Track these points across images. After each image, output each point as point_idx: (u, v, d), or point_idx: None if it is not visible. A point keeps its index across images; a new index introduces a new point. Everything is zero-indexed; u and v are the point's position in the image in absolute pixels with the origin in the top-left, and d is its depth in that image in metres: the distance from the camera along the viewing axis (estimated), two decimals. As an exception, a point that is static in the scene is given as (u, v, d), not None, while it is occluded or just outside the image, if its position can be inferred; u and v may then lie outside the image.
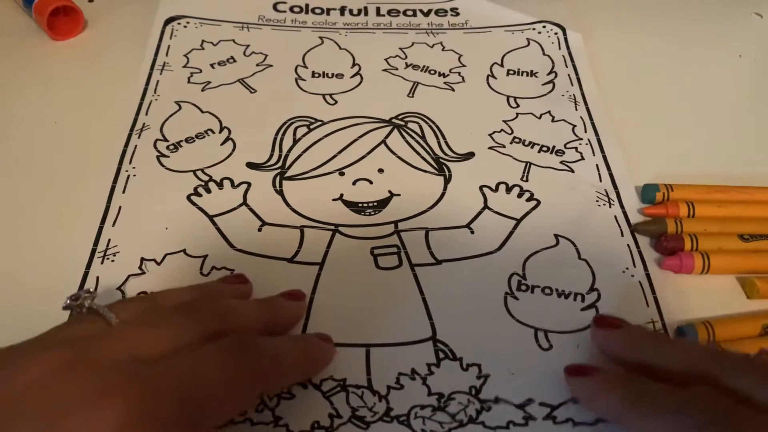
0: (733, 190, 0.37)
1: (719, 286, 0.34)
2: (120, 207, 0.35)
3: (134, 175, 0.36)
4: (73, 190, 0.36)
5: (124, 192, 0.35)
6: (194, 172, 0.37)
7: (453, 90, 0.43)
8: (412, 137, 0.39)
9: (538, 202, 0.36)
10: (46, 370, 0.21)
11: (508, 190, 0.37)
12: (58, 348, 0.22)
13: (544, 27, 0.47)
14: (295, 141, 0.39)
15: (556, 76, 0.44)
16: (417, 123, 0.40)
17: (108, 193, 0.35)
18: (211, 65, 0.43)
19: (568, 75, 0.44)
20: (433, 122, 0.40)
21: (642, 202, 0.37)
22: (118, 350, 0.22)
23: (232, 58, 0.44)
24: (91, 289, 0.31)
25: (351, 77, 0.43)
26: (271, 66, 0.44)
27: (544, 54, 0.46)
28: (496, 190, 0.37)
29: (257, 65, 0.43)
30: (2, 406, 0.20)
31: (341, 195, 0.36)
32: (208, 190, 0.36)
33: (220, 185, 0.36)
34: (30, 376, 0.21)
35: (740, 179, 0.37)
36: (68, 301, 0.26)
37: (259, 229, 0.34)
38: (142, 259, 0.33)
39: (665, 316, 0.32)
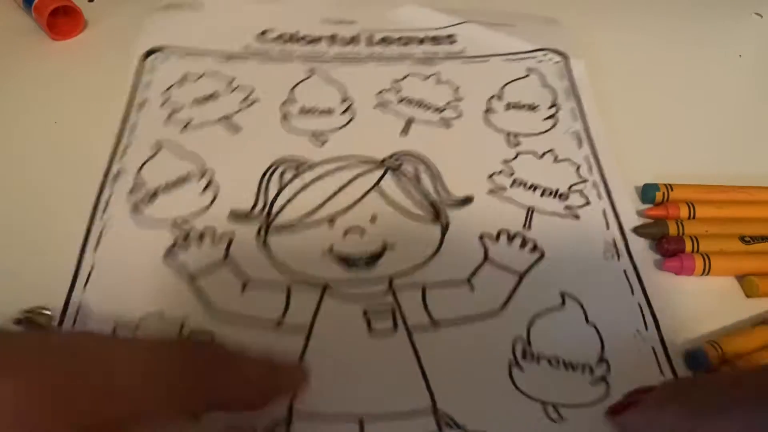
0: (733, 190, 0.37)
1: (719, 285, 0.34)
2: (92, 266, 0.32)
3: (108, 228, 0.34)
4: (70, 192, 0.36)
5: (96, 250, 0.33)
6: (172, 224, 0.34)
7: (449, 126, 0.40)
8: (407, 180, 0.37)
9: (542, 254, 0.34)
10: None
11: (510, 239, 0.34)
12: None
13: (545, 55, 0.45)
14: (282, 186, 0.36)
15: (558, 110, 0.42)
16: (412, 164, 0.38)
17: (79, 251, 0.33)
18: (194, 101, 0.41)
19: (571, 109, 0.42)
20: (429, 163, 0.38)
21: (642, 201, 0.37)
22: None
23: (215, 93, 0.41)
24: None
25: (341, 113, 0.41)
26: (257, 101, 0.41)
27: (545, 85, 0.43)
28: (498, 239, 0.34)
29: (242, 101, 0.41)
30: None
31: (331, 247, 0.33)
32: (187, 246, 0.33)
33: (200, 240, 0.34)
34: None
35: (740, 179, 0.37)
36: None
37: (243, 288, 0.32)
38: (116, 325, 0.30)
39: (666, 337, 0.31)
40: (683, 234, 0.34)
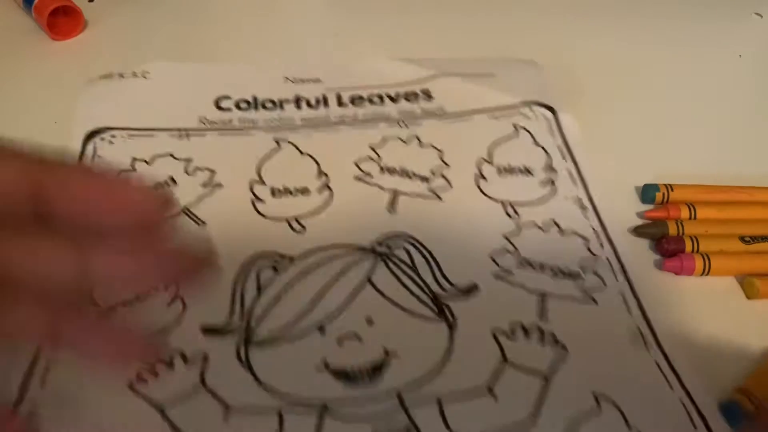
0: (734, 189, 0.37)
1: (719, 286, 0.34)
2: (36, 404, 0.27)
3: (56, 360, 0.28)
4: None
5: (42, 386, 0.27)
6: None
7: (440, 199, 0.36)
8: (401, 269, 0.33)
9: (565, 348, 0.30)
10: None
11: (527, 334, 0.30)
12: None
13: (531, 110, 0.41)
14: (260, 290, 0.31)
15: (554, 172, 0.38)
16: (404, 248, 0.34)
17: (19, 385, 0.27)
18: (147, 191, 0.35)
19: (568, 170, 0.38)
20: (423, 245, 0.34)
21: (642, 202, 0.37)
22: None
23: (171, 179, 0.36)
24: None
25: (318, 191, 0.36)
26: (220, 186, 0.36)
27: (536, 144, 0.40)
28: (513, 335, 0.30)
29: (203, 186, 0.36)
30: None
31: (325, 361, 0.29)
32: (155, 373, 0.28)
33: (169, 364, 0.28)
34: None
35: (740, 179, 0.37)
36: None
37: (224, 418, 0.27)
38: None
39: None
40: (683, 234, 0.34)
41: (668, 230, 0.35)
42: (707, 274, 0.33)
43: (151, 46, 0.47)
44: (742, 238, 0.34)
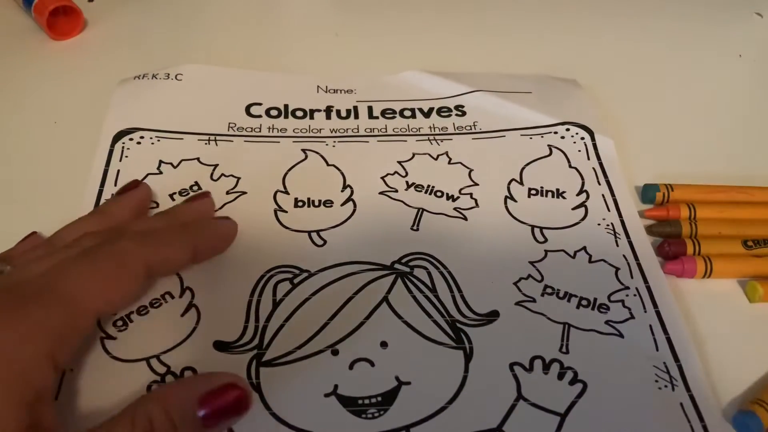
0: (734, 190, 0.37)
1: (720, 289, 0.33)
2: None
3: (71, 370, 0.28)
4: (71, 190, 0.35)
5: (57, 397, 0.27)
6: (148, 360, 0.28)
7: (465, 219, 0.35)
8: (420, 291, 0.32)
9: (585, 385, 0.29)
10: None
11: (546, 367, 0.29)
12: None
13: (567, 130, 0.40)
14: (276, 304, 0.31)
15: (587, 197, 0.37)
16: (425, 269, 0.33)
17: None
18: (170, 196, 0.35)
19: (603, 196, 0.37)
20: (445, 267, 0.33)
21: (642, 202, 0.37)
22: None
23: (196, 184, 0.36)
24: None
25: (342, 204, 0.36)
26: (244, 193, 0.36)
27: (570, 166, 0.38)
28: (531, 368, 0.29)
29: (227, 193, 0.36)
30: None
31: (335, 387, 0.28)
32: None
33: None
34: None
35: (740, 179, 0.38)
36: None
37: None
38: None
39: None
40: (695, 235, 0.35)
41: (681, 230, 0.35)
42: (709, 276, 0.33)
43: (150, 46, 0.47)
44: (745, 243, 0.34)
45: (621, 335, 0.30)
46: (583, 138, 0.40)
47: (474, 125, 0.40)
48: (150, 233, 0.29)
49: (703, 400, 0.28)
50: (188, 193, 0.35)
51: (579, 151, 0.39)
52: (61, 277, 0.25)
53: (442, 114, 0.41)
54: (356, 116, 0.41)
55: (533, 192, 0.37)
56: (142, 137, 0.38)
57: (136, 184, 0.34)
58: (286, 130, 0.40)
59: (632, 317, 0.31)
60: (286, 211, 0.35)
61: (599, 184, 0.37)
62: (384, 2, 0.53)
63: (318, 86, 0.42)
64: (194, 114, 0.40)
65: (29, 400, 0.22)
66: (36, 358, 0.23)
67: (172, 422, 0.23)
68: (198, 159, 0.37)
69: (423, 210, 0.36)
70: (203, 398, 0.24)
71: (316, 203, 0.36)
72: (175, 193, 0.35)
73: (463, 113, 0.41)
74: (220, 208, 0.35)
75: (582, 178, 0.37)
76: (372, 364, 0.29)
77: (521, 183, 0.37)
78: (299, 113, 0.41)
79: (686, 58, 0.48)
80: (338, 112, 0.41)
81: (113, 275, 0.26)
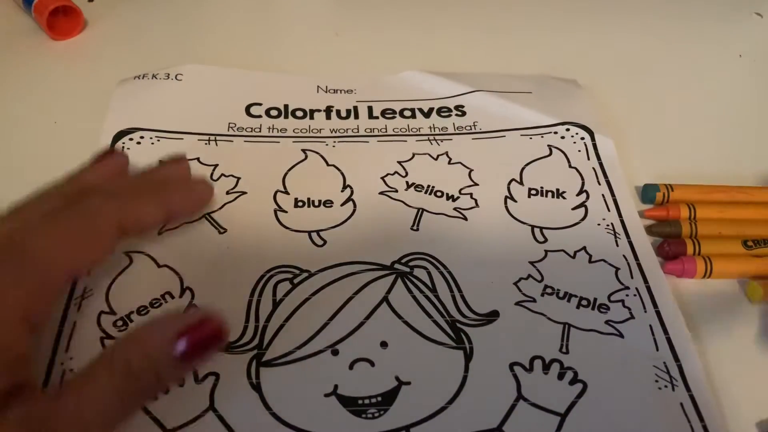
0: (734, 190, 0.37)
1: (720, 289, 0.33)
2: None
3: (71, 369, 0.28)
4: None
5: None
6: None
7: (465, 219, 0.35)
8: (420, 291, 0.32)
9: (585, 386, 0.29)
10: None
11: (546, 367, 0.29)
12: None
13: (567, 130, 0.40)
14: (276, 304, 0.31)
15: (587, 197, 0.37)
16: (425, 269, 0.33)
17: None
18: (171, 196, 0.35)
19: (603, 196, 0.37)
20: (445, 267, 0.33)
21: (642, 202, 0.37)
22: None
23: (196, 184, 0.36)
24: None
25: (342, 205, 0.36)
26: (244, 193, 0.36)
27: (570, 166, 0.38)
28: (531, 368, 0.29)
29: (227, 193, 0.36)
30: None
31: (335, 387, 0.28)
32: (165, 391, 0.28)
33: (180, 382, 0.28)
34: None
35: (740, 179, 0.38)
36: None
37: None
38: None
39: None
40: (694, 235, 0.35)
41: (681, 229, 0.35)
42: (709, 276, 0.33)
43: (150, 46, 0.47)
44: (745, 244, 0.34)
45: (621, 335, 0.30)
46: (583, 138, 0.40)
47: (474, 125, 0.40)
48: (121, 191, 0.28)
49: (703, 400, 0.28)
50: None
51: (579, 151, 0.39)
52: (29, 236, 0.24)
53: (442, 114, 0.41)
54: (356, 116, 0.41)
55: (533, 192, 0.37)
56: (142, 137, 0.38)
57: (111, 152, 0.32)
58: (286, 130, 0.40)
59: (632, 317, 0.31)
60: (286, 211, 0.35)
61: (599, 184, 0.37)
62: (384, 2, 0.53)
63: (318, 86, 0.42)
64: (194, 114, 0.39)
65: (6, 364, 0.22)
66: (9, 322, 0.22)
67: (151, 361, 0.23)
68: (198, 159, 0.37)
69: (423, 210, 0.36)
70: (180, 334, 0.23)
71: (316, 203, 0.36)
72: (175, 193, 0.35)
73: (463, 113, 0.41)
74: (220, 208, 0.35)
75: (582, 178, 0.37)
76: (372, 364, 0.29)
77: (521, 183, 0.37)
78: (299, 113, 0.41)
79: (686, 58, 0.48)
80: (338, 112, 0.41)
81: (84, 233, 0.25)
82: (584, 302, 0.32)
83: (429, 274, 0.33)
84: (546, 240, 0.34)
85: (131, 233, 0.28)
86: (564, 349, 0.30)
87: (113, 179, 0.31)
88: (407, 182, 0.37)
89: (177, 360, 0.23)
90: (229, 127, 0.39)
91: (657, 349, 0.30)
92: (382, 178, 0.37)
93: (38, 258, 0.24)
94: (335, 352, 0.29)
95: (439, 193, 0.37)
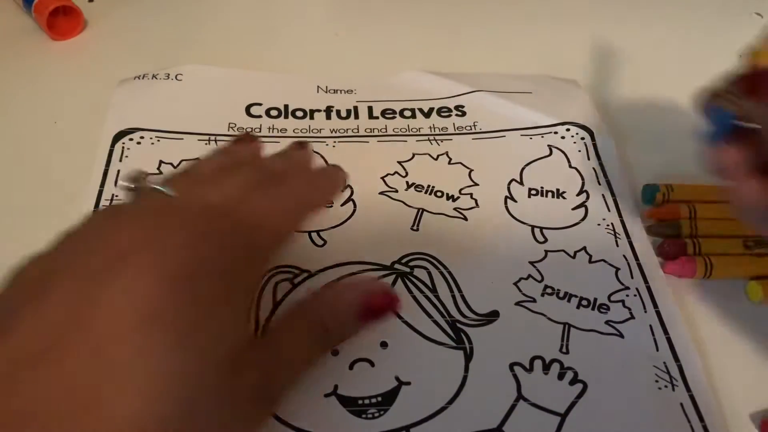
0: None
1: (720, 289, 0.33)
2: None
3: None
4: (71, 192, 0.35)
5: None
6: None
7: (465, 219, 0.35)
8: (420, 291, 0.32)
9: (585, 386, 0.29)
10: (141, 227, 0.23)
11: (546, 367, 0.29)
12: (139, 218, 0.23)
13: (567, 130, 0.40)
14: (276, 304, 0.31)
15: (587, 197, 0.37)
16: (425, 269, 0.33)
17: None
18: (171, 196, 0.35)
19: (603, 196, 0.37)
20: (445, 267, 0.33)
21: (642, 202, 0.37)
22: (191, 208, 0.25)
23: (196, 184, 0.36)
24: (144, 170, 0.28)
25: (342, 205, 0.36)
26: (244, 194, 0.36)
27: (570, 166, 0.38)
28: (531, 368, 0.29)
29: (227, 193, 0.36)
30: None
31: (335, 387, 0.28)
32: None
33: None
34: (125, 237, 0.22)
35: None
36: (127, 183, 0.27)
37: None
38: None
39: None
40: (695, 235, 0.35)
41: (681, 230, 0.35)
42: (709, 277, 0.33)
43: (150, 46, 0.47)
44: (745, 244, 0.34)
45: (621, 335, 0.30)
46: (583, 138, 0.40)
47: (474, 125, 0.40)
48: (312, 177, 0.30)
49: (703, 400, 0.28)
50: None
51: (579, 151, 0.39)
52: (244, 205, 0.26)
53: (442, 114, 0.41)
54: (356, 116, 0.41)
55: (533, 192, 0.37)
56: (142, 137, 0.38)
57: (252, 137, 0.33)
58: (286, 130, 0.40)
59: (632, 317, 0.31)
60: (286, 212, 0.35)
61: (599, 184, 0.37)
62: (384, 2, 0.53)
63: (318, 86, 0.42)
64: (194, 114, 0.40)
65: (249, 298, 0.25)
66: (252, 268, 0.25)
67: (341, 324, 0.26)
68: (198, 159, 0.37)
69: (423, 210, 0.36)
70: (364, 301, 0.26)
71: (316, 203, 0.35)
72: (175, 193, 0.35)
73: (463, 113, 0.41)
74: (220, 208, 0.35)
75: (582, 179, 0.37)
76: (372, 364, 0.29)
77: (521, 183, 0.37)
78: (299, 113, 0.41)
79: (686, 58, 0.48)
80: (338, 112, 0.41)
81: (291, 209, 0.27)
82: (584, 302, 0.32)
83: (429, 274, 0.33)
84: (546, 240, 0.34)
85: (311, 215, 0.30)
86: (564, 350, 0.30)
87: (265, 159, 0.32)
88: (407, 182, 0.37)
89: (358, 319, 0.26)
90: (229, 127, 0.39)
91: (657, 349, 0.30)
92: (383, 178, 0.37)
93: (254, 225, 0.25)
94: (335, 352, 0.29)
95: (439, 193, 0.37)
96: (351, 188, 0.36)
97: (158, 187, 0.26)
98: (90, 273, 0.20)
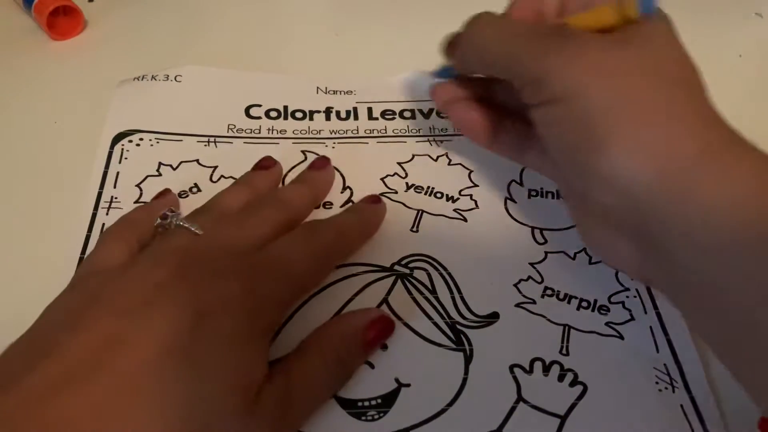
0: None
1: None
2: None
3: None
4: (72, 190, 0.35)
5: None
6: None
7: (465, 220, 0.35)
8: (420, 292, 0.32)
9: (585, 387, 0.29)
10: (172, 264, 0.26)
11: (546, 369, 0.29)
12: (171, 255, 0.27)
13: (566, 131, 0.40)
14: (276, 306, 0.31)
15: (587, 198, 0.36)
16: (425, 270, 0.33)
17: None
18: (170, 198, 0.35)
19: (602, 197, 0.36)
20: (445, 268, 0.33)
21: None
22: (218, 247, 0.27)
23: (195, 186, 0.36)
24: (173, 209, 0.31)
25: (342, 206, 0.36)
26: (244, 196, 0.36)
27: (570, 167, 0.38)
28: (531, 370, 0.29)
29: (227, 195, 0.35)
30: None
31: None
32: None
33: None
34: (158, 274, 0.25)
35: None
36: (158, 220, 0.30)
37: None
38: None
39: None
40: None
41: None
42: None
43: (150, 46, 0.47)
44: None
45: (621, 337, 0.30)
46: (583, 139, 0.39)
47: (474, 126, 0.40)
48: (342, 228, 0.32)
49: (703, 401, 0.28)
50: (188, 196, 0.35)
51: (579, 151, 0.39)
52: (283, 253, 0.28)
53: (442, 115, 0.41)
54: (356, 117, 0.41)
55: (533, 193, 0.37)
56: (141, 139, 0.38)
57: (272, 162, 0.35)
58: (285, 131, 0.40)
59: (632, 319, 0.31)
60: (286, 213, 0.35)
61: (599, 185, 0.37)
62: (384, 2, 0.53)
63: (317, 87, 0.42)
64: (194, 115, 0.39)
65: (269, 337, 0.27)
66: (274, 310, 0.27)
67: (350, 351, 0.28)
68: (197, 161, 0.37)
69: (423, 211, 0.36)
70: (368, 327, 0.28)
71: (316, 205, 0.35)
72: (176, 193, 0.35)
73: (463, 114, 0.41)
74: (220, 209, 0.35)
75: (582, 179, 0.37)
76: (372, 366, 0.29)
77: (521, 184, 0.37)
78: (299, 114, 0.41)
79: (686, 58, 0.49)
80: (338, 113, 0.41)
81: (324, 262, 0.30)
82: (584, 304, 0.32)
83: (429, 275, 0.32)
84: (546, 241, 0.34)
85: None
86: (564, 351, 0.30)
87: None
88: (407, 183, 0.37)
89: (366, 347, 0.28)
90: (228, 128, 0.39)
91: (657, 351, 0.30)
92: (382, 179, 0.37)
93: (293, 276, 0.29)
94: (335, 354, 0.29)
95: (438, 195, 0.36)
96: (351, 189, 0.36)
97: (185, 224, 0.29)
98: (124, 309, 0.24)
